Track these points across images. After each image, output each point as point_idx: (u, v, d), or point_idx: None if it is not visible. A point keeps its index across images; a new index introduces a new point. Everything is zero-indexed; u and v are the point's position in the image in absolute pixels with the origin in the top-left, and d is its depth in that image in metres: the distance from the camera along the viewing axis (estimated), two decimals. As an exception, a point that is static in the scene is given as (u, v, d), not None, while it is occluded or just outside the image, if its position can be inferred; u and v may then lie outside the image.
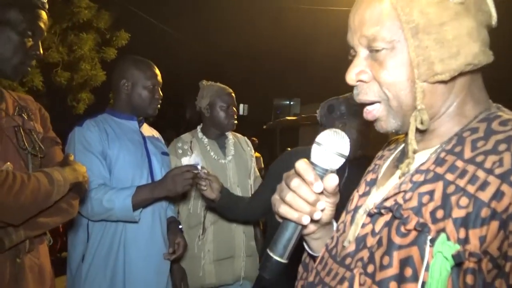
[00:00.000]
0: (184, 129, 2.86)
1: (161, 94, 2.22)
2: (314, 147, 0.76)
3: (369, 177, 0.91)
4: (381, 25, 0.73)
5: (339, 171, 1.97)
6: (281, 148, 10.72)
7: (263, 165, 8.98)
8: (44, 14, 1.42)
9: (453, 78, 0.73)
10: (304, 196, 0.74)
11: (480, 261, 0.61)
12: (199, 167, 1.95)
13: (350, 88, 0.80)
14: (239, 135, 2.79)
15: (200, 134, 2.59)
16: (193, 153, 2.36)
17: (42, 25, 1.41)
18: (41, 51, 1.43)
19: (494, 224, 0.61)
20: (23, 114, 1.44)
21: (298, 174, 0.75)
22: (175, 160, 2.42)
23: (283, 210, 0.76)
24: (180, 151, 2.48)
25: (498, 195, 0.62)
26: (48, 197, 1.29)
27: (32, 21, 1.37)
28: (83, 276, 1.93)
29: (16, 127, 1.39)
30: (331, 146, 0.75)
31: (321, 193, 0.76)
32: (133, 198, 1.90)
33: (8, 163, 1.29)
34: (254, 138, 9.05)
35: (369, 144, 1.89)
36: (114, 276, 1.96)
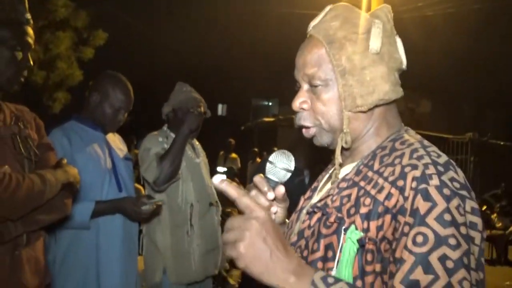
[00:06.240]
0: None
1: (125, 117, 2.25)
2: (268, 165, 0.96)
3: (313, 185, 1.15)
4: (318, 67, 0.95)
5: (300, 180, 2.46)
6: (259, 149, 10.37)
7: (240, 166, 9.14)
8: (30, 30, 1.56)
9: (371, 109, 0.95)
10: (260, 203, 0.95)
11: (376, 243, 0.84)
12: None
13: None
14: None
15: (172, 134, 2.51)
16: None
17: (29, 39, 1.55)
18: (31, 62, 1.57)
19: (388, 217, 0.83)
20: (19, 123, 1.56)
21: (256, 186, 0.97)
22: (155, 149, 2.38)
23: None
24: (160, 139, 2.47)
25: (389, 196, 0.84)
26: (41, 195, 1.43)
27: (20, 37, 1.51)
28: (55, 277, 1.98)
29: (13, 135, 1.51)
30: (280, 164, 0.96)
31: (274, 200, 0.99)
32: (94, 212, 1.97)
33: (6, 166, 1.41)
34: (231, 139, 9.23)
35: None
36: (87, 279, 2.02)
